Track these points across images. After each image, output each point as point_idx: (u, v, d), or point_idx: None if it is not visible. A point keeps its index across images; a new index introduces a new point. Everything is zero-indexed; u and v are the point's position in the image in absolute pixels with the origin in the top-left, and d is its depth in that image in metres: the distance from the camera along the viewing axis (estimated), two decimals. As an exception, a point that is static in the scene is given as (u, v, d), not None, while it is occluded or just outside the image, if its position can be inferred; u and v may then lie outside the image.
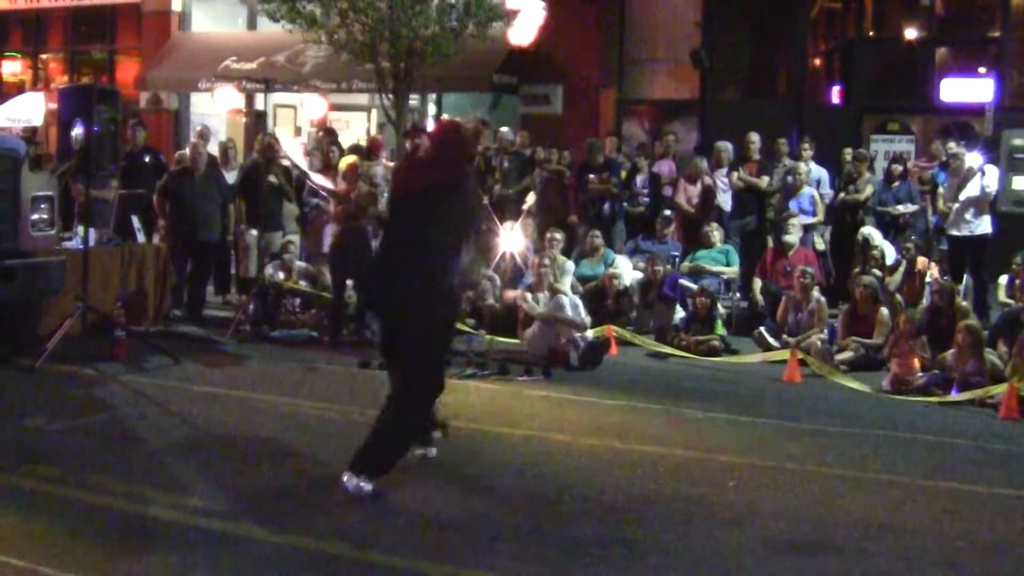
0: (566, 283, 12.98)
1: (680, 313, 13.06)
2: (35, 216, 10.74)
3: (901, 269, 13.12)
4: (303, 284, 13.07)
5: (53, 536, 5.91)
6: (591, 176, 15.38)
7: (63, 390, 9.47)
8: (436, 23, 16.80)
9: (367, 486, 6.60)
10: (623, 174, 15.89)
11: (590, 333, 11.83)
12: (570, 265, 13.46)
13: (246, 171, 14.39)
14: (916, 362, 10.76)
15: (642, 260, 14.12)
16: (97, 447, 7.76)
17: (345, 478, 6.65)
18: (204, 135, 15.59)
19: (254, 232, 14.18)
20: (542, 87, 19.92)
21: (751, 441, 8.56)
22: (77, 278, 10.80)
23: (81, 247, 11.16)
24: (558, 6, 19.59)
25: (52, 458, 7.38)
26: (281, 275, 13.04)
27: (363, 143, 18.62)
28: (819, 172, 14.94)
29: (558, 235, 13.58)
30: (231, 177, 14.44)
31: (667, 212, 14.80)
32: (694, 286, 13.13)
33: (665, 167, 16.09)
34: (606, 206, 15.30)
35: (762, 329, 12.40)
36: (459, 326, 12.63)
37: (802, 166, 14.51)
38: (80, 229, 11.76)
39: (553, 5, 19.48)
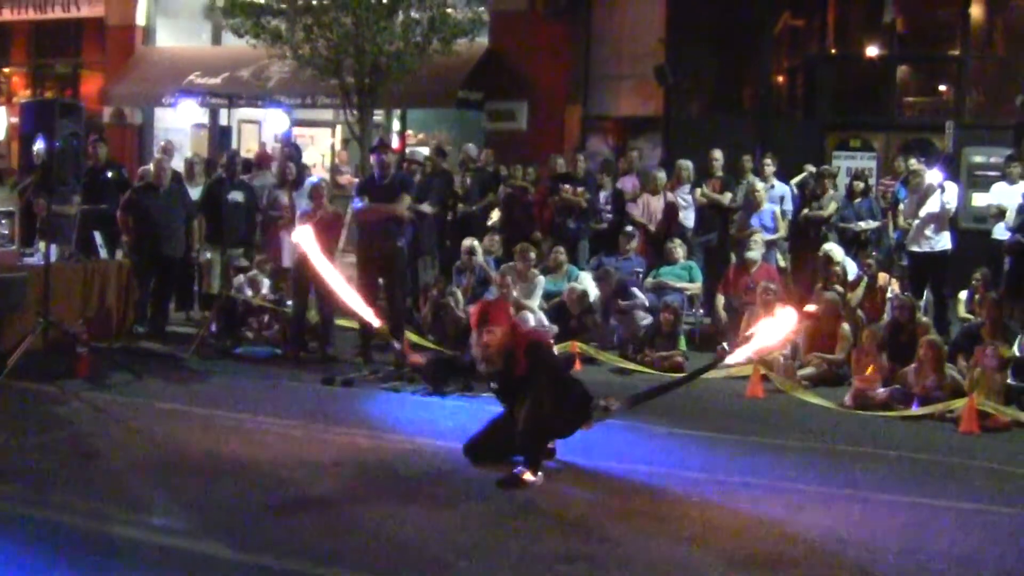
0: (536, 299, 13.07)
1: (646, 319, 13.04)
2: (-4, 232, 10.69)
3: (863, 285, 13.21)
4: (270, 300, 13.03)
5: (13, 554, 5.86)
6: (566, 186, 15.39)
7: (24, 407, 9.41)
8: (401, 39, 16.84)
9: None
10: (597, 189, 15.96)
11: (555, 350, 11.83)
12: (541, 279, 13.51)
13: (208, 187, 14.35)
14: (877, 377, 10.84)
15: (603, 277, 14.15)
16: (58, 464, 7.70)
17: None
18: (168, 150, 15.53)
19: (208, 255, 14.16)
20: (507, 103, 19.96)
21: (714, 457, 8.59)
22: (38, 294, 10.73)
23: (42, 263, 11.10)
24: (523, 22, 19.79)
25: (12, 475, 7.33)
26: (249, 292, 12.99)
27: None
28: (782, 188, 15.03)
29: (532, 252, 13.65)
30: (196, 193, 14.40)
31: (629, 228, 14.84)
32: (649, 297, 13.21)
33: (629, 183, 16.14)
34: (571, 223, 15.33)
35: (725, 345, 12.43)
36: (422, 342, 12.72)
37: (759, 183, 14.58)
38: (41, 245, 11.69)
39: (519, 22, 19.71)
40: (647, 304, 13.10)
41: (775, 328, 9.15)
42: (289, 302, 12.80)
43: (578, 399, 8.01)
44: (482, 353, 7.83)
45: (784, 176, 15.39)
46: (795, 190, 15.31)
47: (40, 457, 7.88)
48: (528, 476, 7.43)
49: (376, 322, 9.40)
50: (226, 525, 6.45)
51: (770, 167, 15.05)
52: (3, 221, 10.83)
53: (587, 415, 8.02)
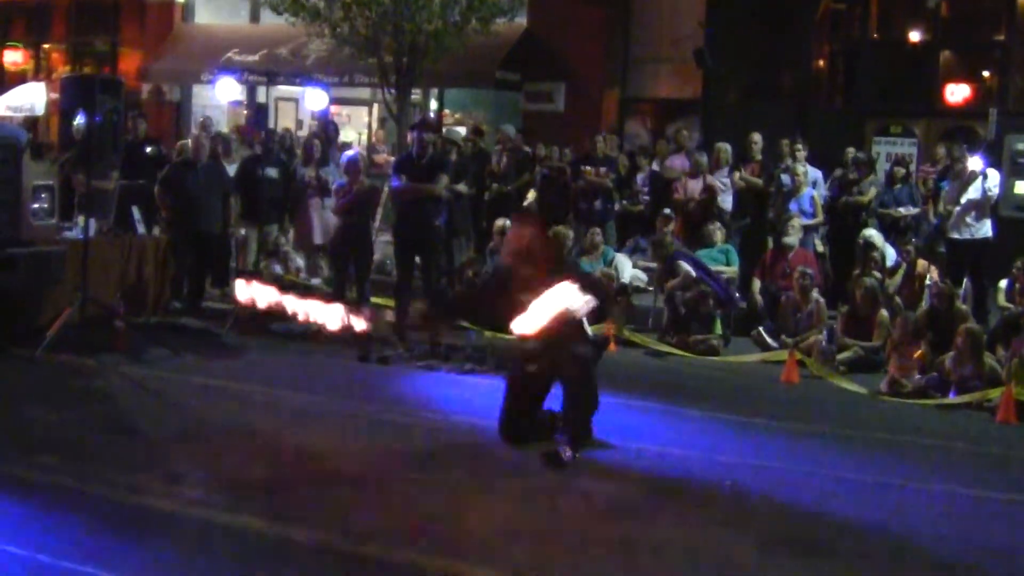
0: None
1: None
2: (35, 205, 10.74)
3: (901, 272, 13.11)
4: (303, 277, 13.07)
5: (51, 525, 5.92)
6: (587, 168, 15.35)
7: (62, 380, 9.49)
8: (439, 18, 16.81)
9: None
10: (622, 170, 15.90)
11: (589, 331, 11.77)
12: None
13: (243, 164, 14.39)
14: (914, 365, 10.76)
15: (643, 258, 14.09)
16: (95, 437, 7.76)
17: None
18: (206, 126, 15.57)
19: (244, 231, 14.22)
20: (545, 84, 19.91)
21: (748, 441, 8.56)
22: (77, 268, 10.80)
23: (81, 237, 11.16)
24: (563, 3, 19.72)
25: (51, 447, 7.39)
26: (278, 268, 13.00)
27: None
28: (815, 173, 14.91)
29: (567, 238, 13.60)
30: (232, 169, 14.43)
31: (667, 211, 14.77)
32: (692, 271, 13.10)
33: (678, 162, 16.00)
34: (598, 203, 15.29)
35: (761, 329, 12.39)
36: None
37: (800, 167, 14.47)
38: (80, 219, 11.75)
39: (558, 2, 19.65)
40: (693, 274, 12.99)
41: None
42: (315, 280, 12.83)
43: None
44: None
45: (819, 162, 15.25)
46: (826, 183, 15.19)
47: (77, 430, 7.94)
48: (567, 453, 7.45)
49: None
50: (262, 500, 6.48)
51: (802, 151, 14.93)
52: (43, 195, 10.86)
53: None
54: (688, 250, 13.49)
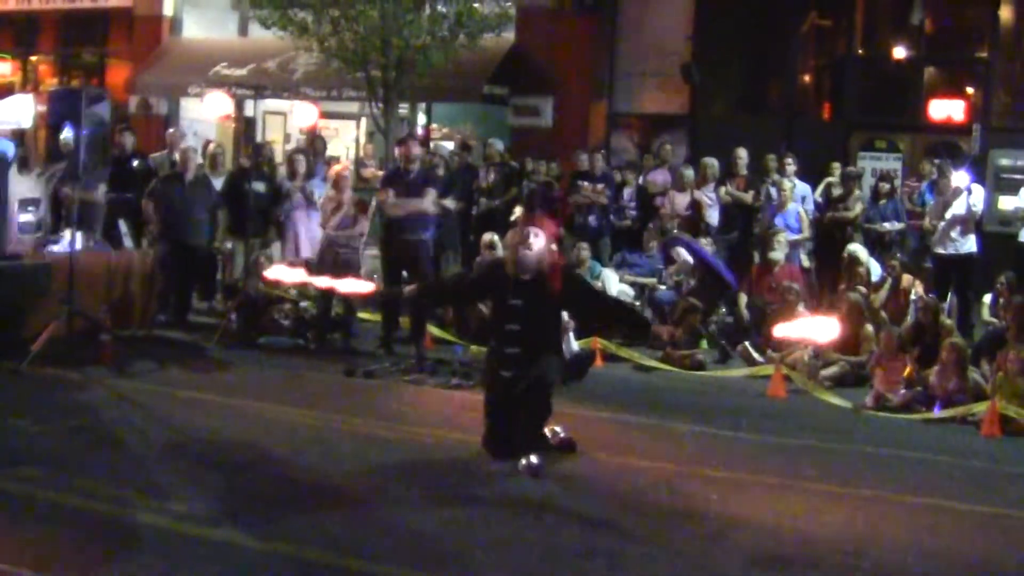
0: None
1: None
2: (22, 218, 10.73)
3: (886, 286, 13.16)
4: (292, 292, 13.05)
5: (35, 539, 5.91)
6: (584, 184, 15.42)
7: (48, 393, 9.46)
8: (427, 33, 16.83)
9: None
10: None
11: (576, 345, 11.82)
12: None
13: (231, 178, 14.39)
14: (899, 379, 10.80)
15: (629, 273, 14.15)
16: (81, 450, 7.75)
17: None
18: (174, 140, 15.54)
19: (230, 244, 14.20)
20: (532, 99, 19.93)
21: (734, 455, 8.58)
22: (63, 281, 10.78)
23: (68, 250, 11.14)
24: (550, 18, 19.76)
25: (35, 461, 7.38)
26: (262, 284, 12.97)
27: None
28: (803, 188, 14.96)
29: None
30: (220, 183, 14.43)
31: (652, 225, 14.80)
32: (688, 257, 13.14)
33: (660, 177, 16.07)
34: (592, 218, 15.34)
35: (747, 344, 12.42)
36: (444, 335, 12.73)
37: (786, 182, 14.51)
38: (67, 232, 11.74)
39: (545, 17, 19.69)
40: (690, 262, 13.02)
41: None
42: (303, 304, 12.82)
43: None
44: (519, 256, 7.90)
45: (805, 176, 15.30)
46: (819, 199, 15.24)
47: (62, 443, 7.93)
48: (533, 459, 7.48)
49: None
50: (246, 513, 6.48)
51: (791, 166, 14.98)
52: (29, 208, 10.87)
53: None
54: (686, 235, 13.59)
